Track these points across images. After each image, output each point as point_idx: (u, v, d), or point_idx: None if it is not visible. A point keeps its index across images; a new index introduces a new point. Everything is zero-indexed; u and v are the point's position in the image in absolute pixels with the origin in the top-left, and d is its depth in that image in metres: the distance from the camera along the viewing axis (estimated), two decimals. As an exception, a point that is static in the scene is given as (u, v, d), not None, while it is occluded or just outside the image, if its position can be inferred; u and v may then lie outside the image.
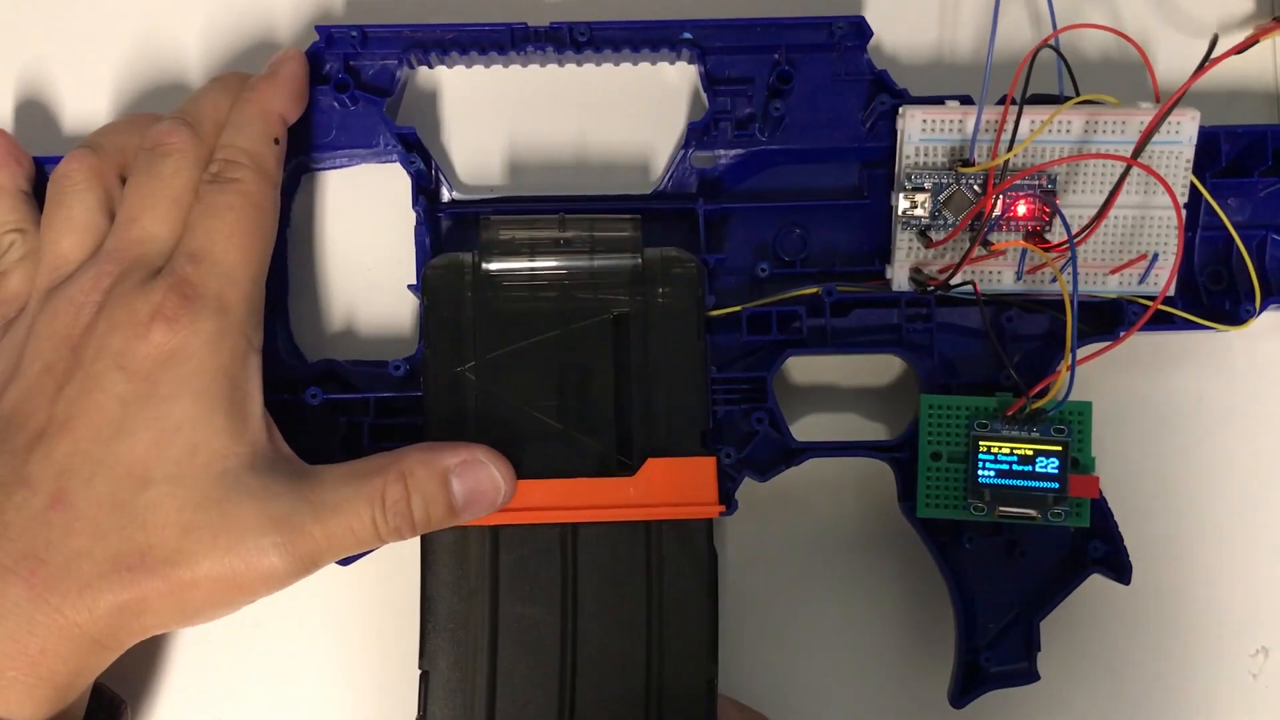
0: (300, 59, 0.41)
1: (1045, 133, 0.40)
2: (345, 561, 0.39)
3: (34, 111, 0.45)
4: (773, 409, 0.41)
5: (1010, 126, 0.39)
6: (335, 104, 0.42)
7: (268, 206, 0.38)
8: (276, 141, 0.39)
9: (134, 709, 0.41)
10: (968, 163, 0.40)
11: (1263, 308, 0.42)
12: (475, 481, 0.37)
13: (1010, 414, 0.39)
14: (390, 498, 0.36)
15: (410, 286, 0.42)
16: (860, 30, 0.42)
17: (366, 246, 0.44)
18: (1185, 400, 0.44)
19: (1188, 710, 0.43)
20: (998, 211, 0.40)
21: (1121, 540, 0.41)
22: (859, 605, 0.43)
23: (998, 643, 0.41)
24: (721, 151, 0.43)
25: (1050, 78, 0.41)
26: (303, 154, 0.42)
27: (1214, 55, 0.36)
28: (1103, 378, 0.43)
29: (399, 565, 0.42)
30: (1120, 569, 0.41)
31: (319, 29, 0.42)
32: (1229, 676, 0.44)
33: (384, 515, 0.36)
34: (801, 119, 0.42)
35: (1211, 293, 0.43)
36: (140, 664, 0.42)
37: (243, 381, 0.36)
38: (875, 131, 0.42)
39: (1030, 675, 0.40)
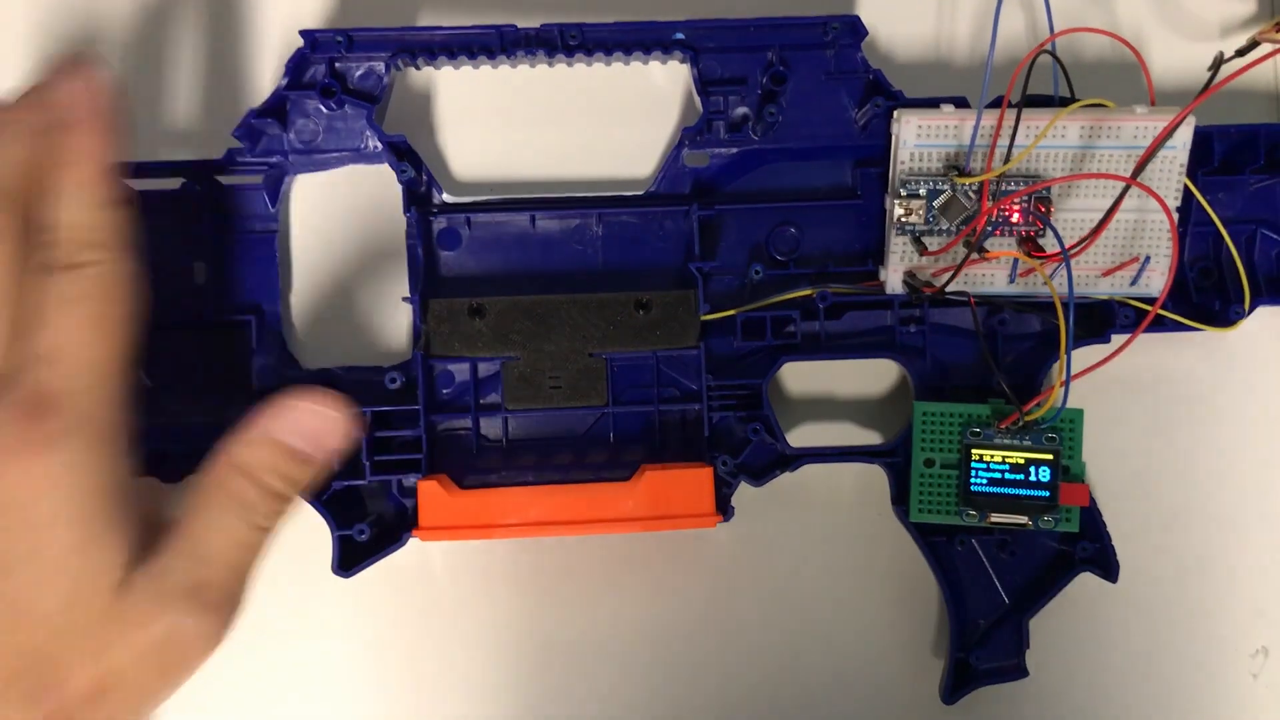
0: (92, 86, 0.33)
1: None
2: (348, 573, 0.40)
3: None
4: (768, 416, 0.41)
5: (1006, 135, 0.39)
6: (322, 108, 0.41)
7: (126, 285, 0.33)
8: (116, 202, 0.33)
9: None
10: (963, 171, 0.39)
11: (1251, 308, 0.42)
12: (297, 425, 0.35)
13: (1003, 427, 0.40)
14: (236, 490, 0.34)
15: (405, 299, 0.42)
16: (855, 29, 0.41)
17: (359, 251, 0.44)
18: (1178, 398, 0.45)
19: (1187, 710, 0.44)
20: (992, 217, 0.40)
21: (1109, 539, 0.42)
22: (852, 605, 0.44)
23: (987, 640, 0.42)
24: (715, 151, 0.42)
25: (1045, 76, 0.40)
26: (289, 153, 0.42)
27: (1218, 78, 0.36)
28: (1093, 376, 0.43)
29: (400, 568, 0.42)
30: (1107, 567, 0.41)
31: (303, 33, 0.41)
32: (1229, 676, 0.44)
33: (245, 508, 0.34)
34: (795, 118, 0.42)
35: (1201, 290, 0.43)
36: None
37: (115, 486, 0.33)
38: (869, 130, 0.42)
39: (1020, 671, 0.41)
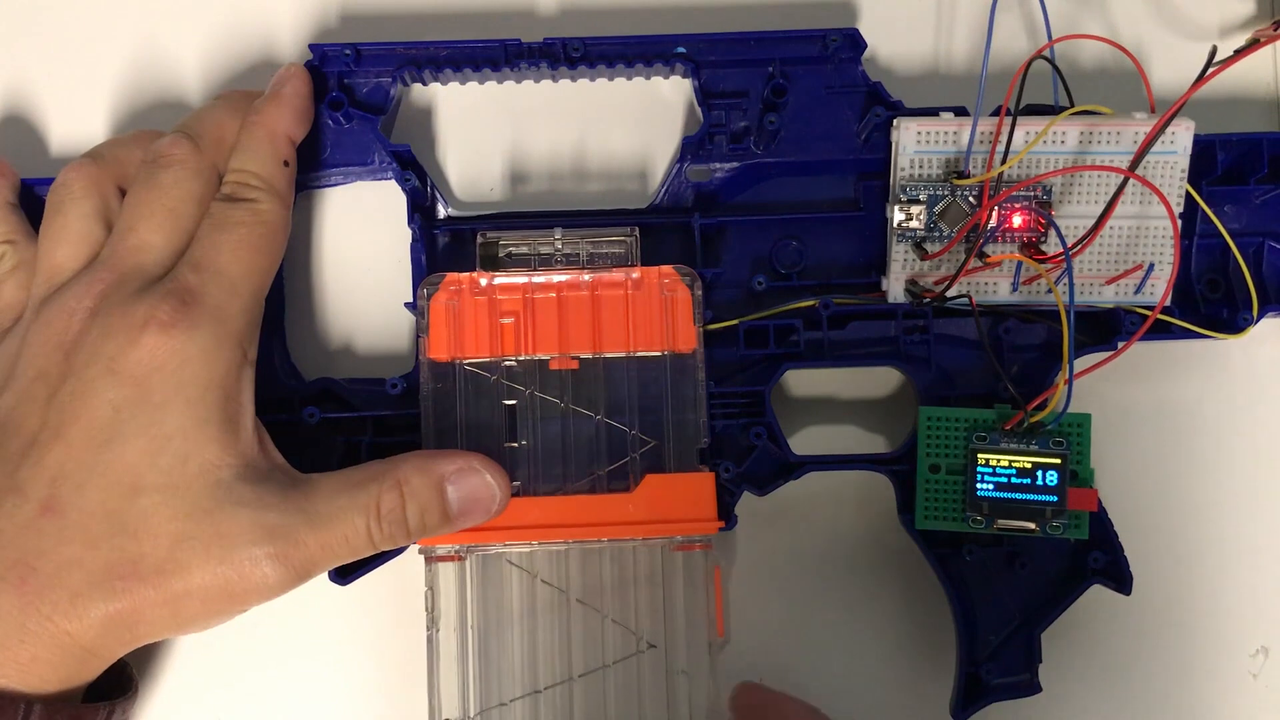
0: (302, 76, 0.41)
1: (1041, 144, 0.39)
2: (344, 580, 0.40)
3: (21, 132, 0.45)
4: (771, 423, 0.41)
5: (1005, 138, 0.39)
6: (330, 122, 0.42)
7: (279, 226, 0.39)
8: (286, 164, 0.39)
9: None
10: (963, 175, 0.40)
11: (1260, 316, 0.41)
12: (471, 489, 0.37)
13: (1008, 427, 0.39)
14: (385, 506, 0.36)
15: (407, 305, 0.42)
16: (854, 42, 0.42)
17: (363, 264, 0.44)
18: (1185, 407, 0.44)
19: (1188, 711, 0.43)
20: (993, 223, 0.40)
21: (1121, 550, 0.41)
22: (860, 618, 0.43)
23: (998, 654, 0.40)
24: (717, 165, 0.43)
25: (1045, 87, 0.41)
26: (298, 172, 0.42)
27: (1212, 67, 0.36)
28: (1102, 386, 0.43)
29: (400, 568, 0.42)
30: (1121, 579, 0.41)
31: (313, 47, 0.42)
32: (1229, 676, 0.43)
33: (379, 524, 0.36)
34: (797, 131, 0.42)
35: (1209, 301, 0.43)
36: (140, 662, 0.42)
37: (236, 393, 0.36)
38: (870, 143, 0.42)
39: (1032, 687, 0.40)
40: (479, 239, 0.41)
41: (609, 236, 0.41)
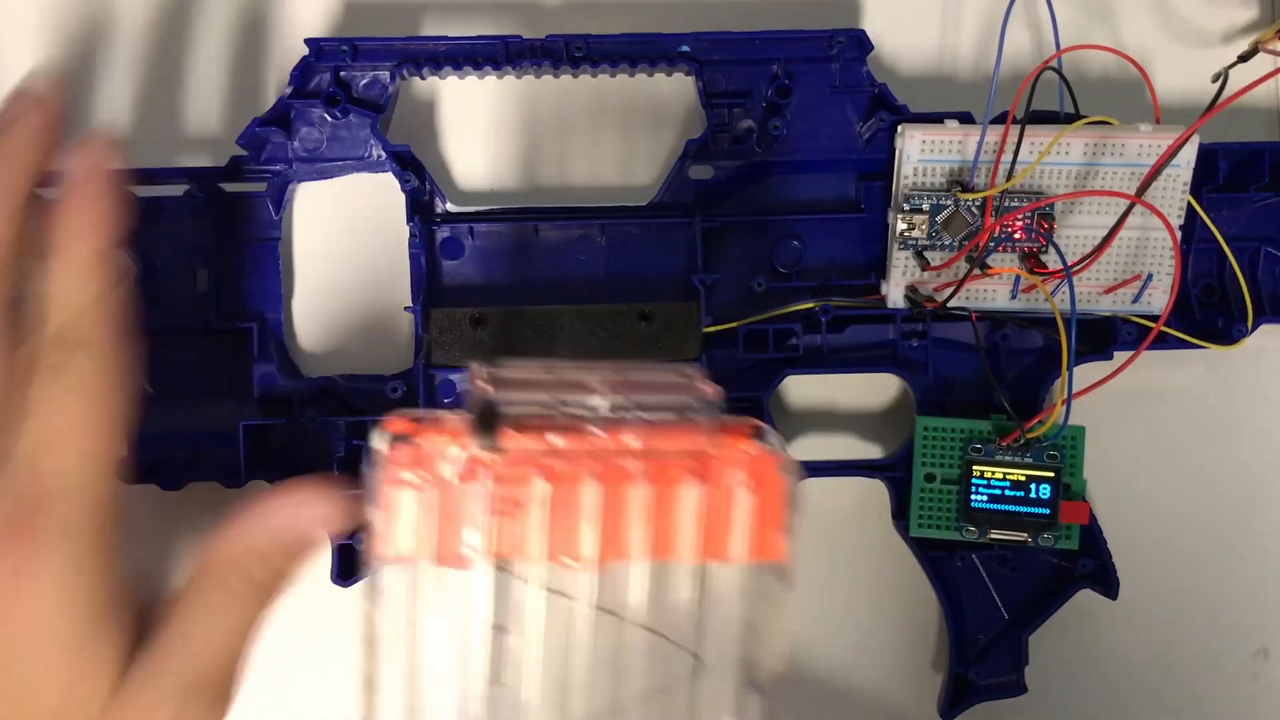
0: (97, 143, 0.33)
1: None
2: (346, 583, 0.40)
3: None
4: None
5: (1010, 151, 0.39)
6: (326, 117, 0.41)
7: (120, 363, 0.32)
8: (109, 281, 0.32)
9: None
10: (967, 188, 0.39)
11: (1255, 326, 0.42)
12: (275, 521, 0.34)
13: (1004, 444, 0.40)
14: (224, 583, 0.33)
15: (407, 308, 0.42)
16: (860, 43, 0.41)
17: (361, 260, 0.44)
18: (1182, 407, 0.45)
19: (1189, 711, 0.44)
20: (995, 233, 0.40)
21: (1109, 556, 0.41)
22: (852, 618, 0.44)
23: (986, 656, 0.42)
24: (719, 163, 0.42)
25: (1050, 91, 0.40)
26: (292, 164, 0.42)
27: (1223, 97, 0.36)
28: (1095, 392, 0.43)
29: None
30: (1108, 585, 0.41)
31: (308, 42, 0.41)
32: (1229, 678, 0.44)
33: (233, 599, 0.33)
34: (799, 131, 0.42)
35: (1204, 307, 0.43)
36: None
37: (106, 592, 0.32)
38: (873, 144, 0.42)
39: (1018, 688, 0.41)
40: (473, 384, 0.28)
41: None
